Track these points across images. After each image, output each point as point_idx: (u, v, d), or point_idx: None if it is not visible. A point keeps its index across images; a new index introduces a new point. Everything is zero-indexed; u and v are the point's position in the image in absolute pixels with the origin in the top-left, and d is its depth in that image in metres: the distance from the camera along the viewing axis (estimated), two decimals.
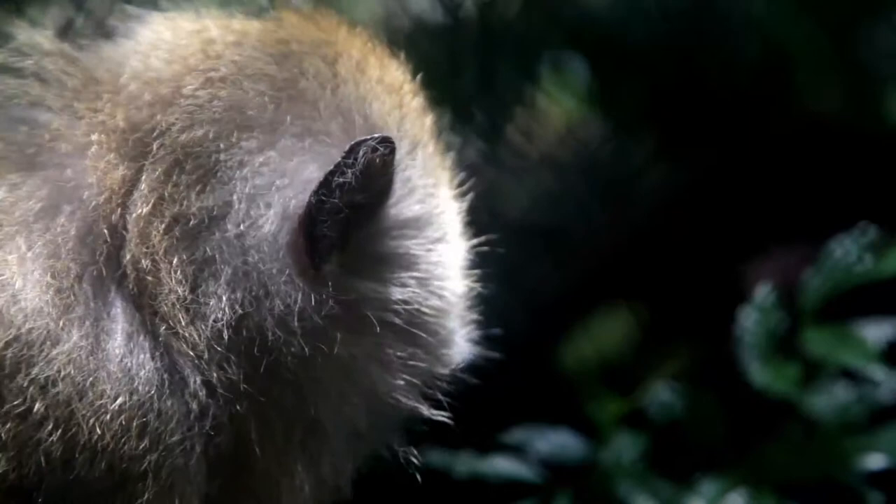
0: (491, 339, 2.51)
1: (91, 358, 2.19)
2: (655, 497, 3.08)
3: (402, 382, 2.31)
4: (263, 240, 2.25)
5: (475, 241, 2.45)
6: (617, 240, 4.04)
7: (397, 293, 2.30)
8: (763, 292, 3.23)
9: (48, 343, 2.19)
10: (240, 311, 2.22)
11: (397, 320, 2.30)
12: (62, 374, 2.18)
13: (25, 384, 2.17)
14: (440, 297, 2.34)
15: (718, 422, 3.13)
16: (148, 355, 2.22)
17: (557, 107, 4.13)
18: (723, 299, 3.60)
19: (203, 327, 2.22)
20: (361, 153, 2.22)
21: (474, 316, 2.44)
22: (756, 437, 3.16)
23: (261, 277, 2.24)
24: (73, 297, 2.21)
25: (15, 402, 2.17)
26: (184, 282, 2.23)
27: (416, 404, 2.33)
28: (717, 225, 3.99)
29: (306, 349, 2.24)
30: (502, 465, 3.12)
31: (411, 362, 2.32)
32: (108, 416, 2.17)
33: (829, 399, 3.12)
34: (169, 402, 2.21)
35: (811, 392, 3.13)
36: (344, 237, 2.26)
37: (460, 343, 2.41)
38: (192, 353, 2.22)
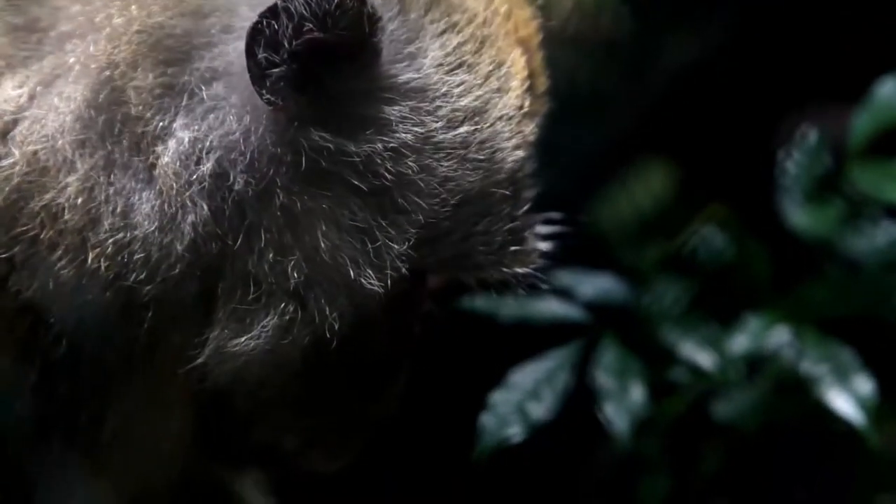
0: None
1: (100, 190, 2.24)
2: (698, 337, 3.11)
3: (349, 247, 2.27)
4: (226, 70, 2.26)
5: None
6: (651, 98, 4.04)
7: (365, 156, 2.26)
8: (805, 134, 3.23)
9: (63, 171, 2.24)
10: (199, 144, 2.24)
11: (359, 183, 2.27)
12: (73, 202, 2.24)
13: (37, 209, 2.24)
14: (416, 171, 2.29)
15: (763, 262, 3.14)
16: (153, 192, 2.25)
17: None
18: (759, 156, 3.61)
19: (174, 160, 2.25)
20: None
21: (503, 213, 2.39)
22: (797, 277, 3.18)
23: (217, 107, 2.26)
24: (85, 127, 2.26)
25: (27, 227, 2.25)
26: (159, 112, 2.26)
27: (363, 275, 2.28)
28: (754, 81, 3.98)
29: (249, 189, 2.24)
30: (548, 307, 3.15)
31: (365, 228, 2.28)
32: (113, 249, 2.24)
33: (871, 239, 3.14)
34: (168, 238, 2.24)
35: (852, 232, 3.15)
36: (307, 78, 2.24)
37: (455, 234, 2.35)
38: (173, 188, 2.25)
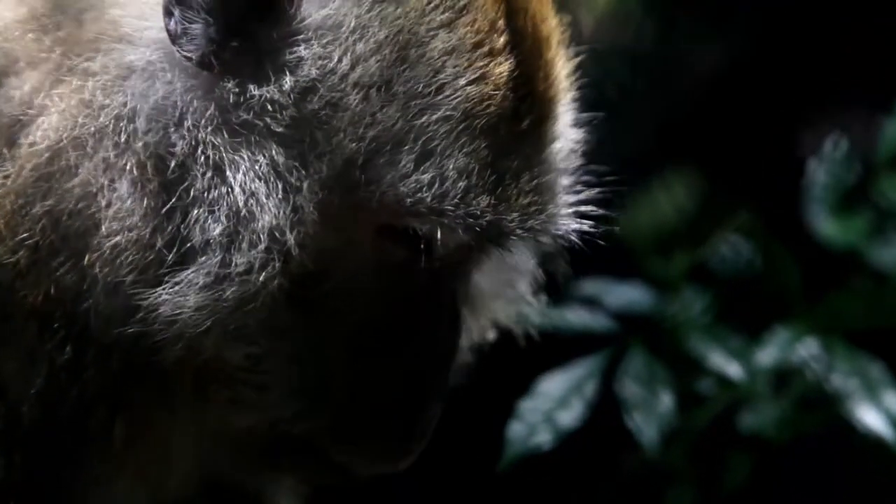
0: None
1: (102, 196, 2.24)
2: (726, 348, 3.10)
3: (264, 193, 2.24)
4: (159, 38, 2.26)
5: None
6: (674, 108, 4.03)
7: (275, 98, 2.24)
8: (832, 144, 3.22)
9: (66, 176, 2.24)
10: (150, 117, 2.24)
11: (274, 127, 2.24)
12: (74, 208, 2.24)
13: (40, 214, 2.24)
14: (322, 107, 2.25)
15: (792, 271, 3.13)
16: (145, 191, 2.25)
17: None
18: (783, 166, 3.60)
19: (140, 146, 2.25)
20: None
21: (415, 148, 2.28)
22: (824, 289, 3.17)
23: (156, 76, 2.26)
24: (80, 128, 2.26)
25: (30, 232, 2.24)
26: (118, 98, 2.26)
27: (279, 219, 2.23)
28: (777, 90, 3.97)
29: (183, 149, 2.24)
30: (574, 317, 3.14)
31: (280, 172, 2.24)
32: (110, 253, 2.23)
33: None
34: (160, 240, 2.24)
35: (881, 243, 3.14)
36: (229, 33, 2.24)
37: (377, 168, 2.27)
38: (149, 178, 2.24)
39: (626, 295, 3.18)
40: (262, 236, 2.22)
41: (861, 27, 3.95)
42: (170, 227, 2.24)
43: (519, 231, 2.35)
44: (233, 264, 2.23)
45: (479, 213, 2.29)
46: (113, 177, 2.24)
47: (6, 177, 2.25)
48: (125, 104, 2.25)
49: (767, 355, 3.05)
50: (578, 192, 2.45)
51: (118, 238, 2.23)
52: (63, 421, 2.30)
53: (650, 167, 3.97)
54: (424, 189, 2.26)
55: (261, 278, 2.23)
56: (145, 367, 2.29)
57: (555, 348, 3.16)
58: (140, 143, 2.24)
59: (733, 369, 3.06)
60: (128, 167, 2.24)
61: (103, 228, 2.23)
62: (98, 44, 2.28)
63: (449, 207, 2.27)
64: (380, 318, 2.34)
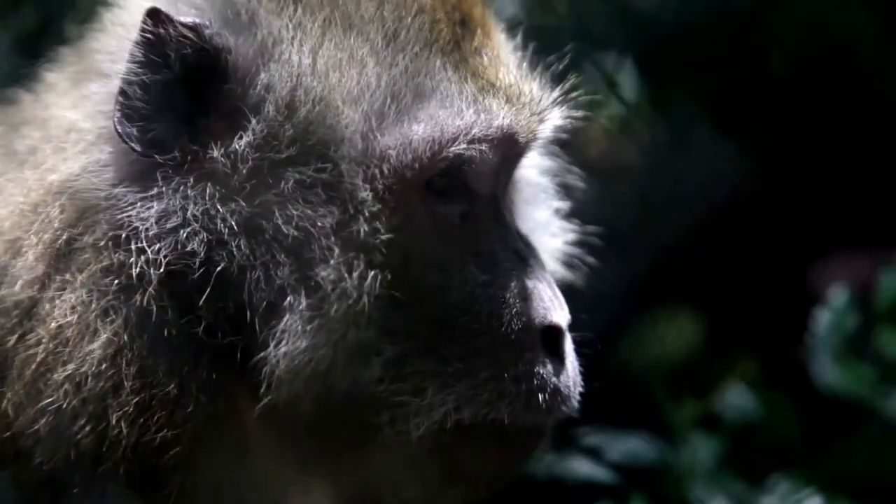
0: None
1: (124, 354, 2.25)
2: (730, 499, 3.08)
3: (313, 208, 2.27)
4: (127, 173, 2.30)
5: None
6: (674, 244, 4.03)
7: (269, 130, 2.27)
8: (836, 293, 3.22)
9: (86, 339, 2.25)
10: (153, 248, 2.26)
11: (286, 153, 2.27)
12: (96, 370, 2.24)
13: (61, 380, 2.24)
14: (312, 106, 2.29)
15: (793, 423, 3.13)
16: (172, 344, 2.26)
17: (607, 110, 4.11)
18: (789, 304, 3.60)
19: (153, 273, 2.27)
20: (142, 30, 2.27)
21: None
22: (831, 439, 3.16)
23: (141, 205, 2.28)
24: (101, 292, 2.27)
25: (51, 398, 2.24)
26: (121, 249, 2.29)
27: (338, 215, 2.26)
28: (781, 228, 3.97)
29: (193, 243, 2.26)
30: (579, 467, 3.13)
31: (314, 181, 2.27)
32: (135, 410, 2.23)
33: None
34: (188, 390, 2.25)
35: (887, 395, 3.13)
36: (186, 121, 2.28)
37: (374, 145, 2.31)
38: (166, 311, 2.26)
39: (628, 447, 3.17)
40: (330, 242, 2.25)
41: (871, 168, 3.96)
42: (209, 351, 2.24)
43: (537, 127, 2.43)
44: (321, 284, 2.24)
45: (494, 111, 2.37)
46: (132, 331, 2.25)
47: (28, 347, 2.26)
48: (135, 244, 2.26)
49: None
50: (557, 86, 2.50)
51: (142, 396, 2.23)
52: None
53: (652, 300, 3.96)
54: (439, 115, 2.33)
55: (353, 279, 2.25)
56: None
57: (559, 497, 3.15)
58: (159, 270, 2.25)
59: None
60: (143, 303, 2.24)
61: (127, 386, 2.23)
62: (85, 216, 2.31)
63: (468, 118, 2.34)
64: (474, 274, 2.35)
